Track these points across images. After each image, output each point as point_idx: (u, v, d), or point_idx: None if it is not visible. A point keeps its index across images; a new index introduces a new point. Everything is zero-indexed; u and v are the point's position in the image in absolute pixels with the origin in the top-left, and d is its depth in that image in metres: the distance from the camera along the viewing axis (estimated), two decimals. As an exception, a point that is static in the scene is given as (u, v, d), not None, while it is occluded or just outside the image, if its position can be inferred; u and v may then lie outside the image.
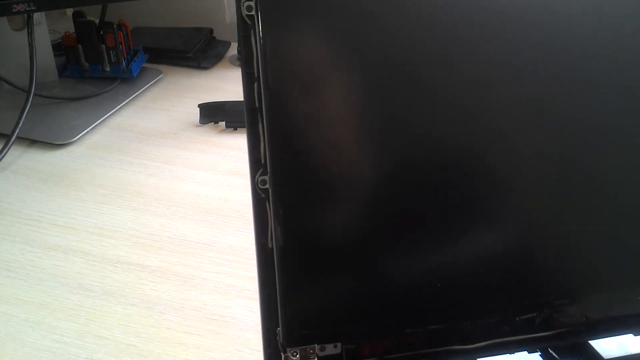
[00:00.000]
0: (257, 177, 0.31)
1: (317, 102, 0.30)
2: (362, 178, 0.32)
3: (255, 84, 0.30)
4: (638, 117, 0.34)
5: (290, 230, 0.31)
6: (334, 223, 0.32)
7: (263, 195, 0.31)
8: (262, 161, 0.31)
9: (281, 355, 0.33)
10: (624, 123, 0.34)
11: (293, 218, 0.31)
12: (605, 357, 0.37)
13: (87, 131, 0.68)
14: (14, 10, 0.62)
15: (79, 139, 0.66)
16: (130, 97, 0.74)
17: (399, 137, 0.31)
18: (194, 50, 0.85)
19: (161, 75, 0.81)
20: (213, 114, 0.70)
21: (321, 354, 0.33)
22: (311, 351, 0.33)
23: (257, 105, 0.30)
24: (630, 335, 0.38)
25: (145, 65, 0.82)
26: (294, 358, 0.33)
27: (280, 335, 0.33)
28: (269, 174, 0.30)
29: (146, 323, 0.44)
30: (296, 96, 0.30)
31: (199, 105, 0.70)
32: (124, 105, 0.73)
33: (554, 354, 0.37)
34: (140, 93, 0.76)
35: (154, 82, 0.79)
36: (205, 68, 0.84)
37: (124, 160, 0.63)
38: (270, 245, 0.32)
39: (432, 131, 0.32)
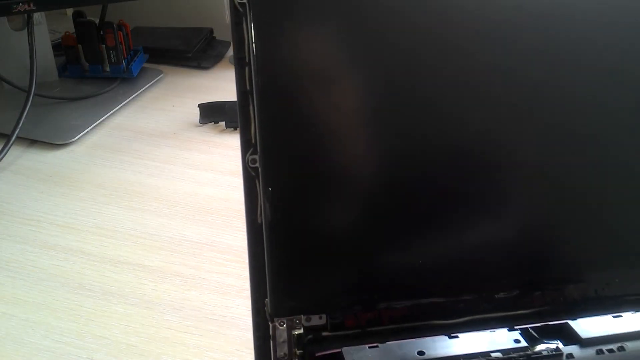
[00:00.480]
0: (247, 156, 0.33)
1: (305, 85, 0.31)
2: (346, 157, 0.33)
3: (247, 68, 0.31)
4: (629, 100, 0.35)
5: (278, 207, 0.32)
6: (320, 200, 0.33)
7: (253, 174, 0.33)
8: (253, 141, 0.32)
9: (269, 325, 0.35)
10: (618, 107, 0.35)
11: (281, 195, 0.32)
12: (583, 337, 0.38)
13: (87, 131, 0.68)
14: (14, 10, 0.62)
15: (79, 139, 0.66)
16: (130, 97, 0.74)
17: (385, 116, 0.33)
18: (194, 50, 0.85)
19: (161, 75, 0.81)
20: (213, 114, 0.70)
21: (307, 324, 0.35)
22: (297, 321, 0.34)
23: (248, 88, 0.31)
24: (609, 317, 0.39)
25: (145, 65, 0.82)
26: (281, 327, 0.34)
27: (268, 306, 0.34)
28: (258, 154, 0.32)
29: (146, 323, 0.44)
30: (285, 80, 0.31)
31: (199, 105, 0.70)
32: (124, 105, 0.73)
33: (533, 333, 0.38)
34: (140, 93, 0.76)
35: (154, 82, 0.79)
36: (205, 68, 0.84)
37: (124, 160, 0.63)
38: (259, 221, 0.33)
39: (418, 117, 0.33)
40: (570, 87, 0.34)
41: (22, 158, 0.64)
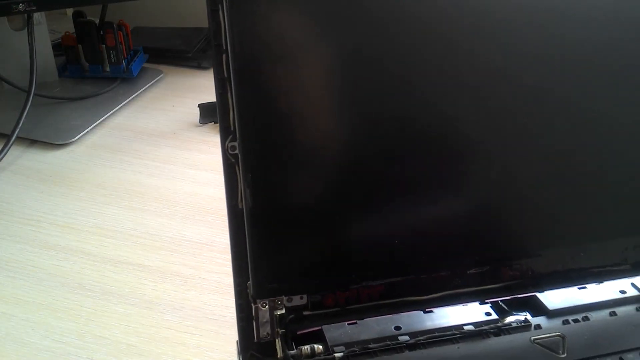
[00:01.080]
0: (227, 143, 0.33)
1: (282, 71, 0.32)
2: (323, 142, 0.34)
3: (224, 56, 0.31)
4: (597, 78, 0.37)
5: (258, 192, 0.33)
6: (299, 184, 0.34)
7: (233, 160, 0.33)
8: (232, 128, 0.33)
9: (252, 306, 0.36)
10: (583, 87, 0.37)
11: (260, 180, 0.33)
12: (550, 308, 0.40)
13: (87, 131, 0.68)
14: (14, 10, 0.62)
15: (79, 139, 0.66)
16: (130, 97, 0.74)
17: (359, 101, 0.34)
18: (194, 50, 0.85)
19: (161, 75, 0.81)
20: (213, 114, 0.70)
21: (288, 304, 0.36)
22: (279, 302, 0.36)
23: (225, 75, 0.32)
24: (574, 289, 0.41)
25: (145, 65, 0.82)
26: (263, 308, 0.36)
27: (251, 288, 0.35)
28: (238, 140, 0.33)
29: (146, 323, 0.44)
30: (262, 66, 0.32)
31: (199, 105, 0.70)
32: (124, 105, 0.73)
33: (504, 305, 0.40)
34: (140, 93, 0.76)
35: (154, 82, 0.79)
36: (205, 68, 0.84)
37: (124, 160, 0.63)
38: (240, 206, 0.34)
39: (392, 99, 0.34)
40: (529, 71, 0.35)
41: (22, 158, 0.64)
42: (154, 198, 0.58)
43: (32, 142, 0.66)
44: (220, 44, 0.31)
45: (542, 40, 0.35)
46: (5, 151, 0.62)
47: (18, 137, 0.63)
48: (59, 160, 0.63)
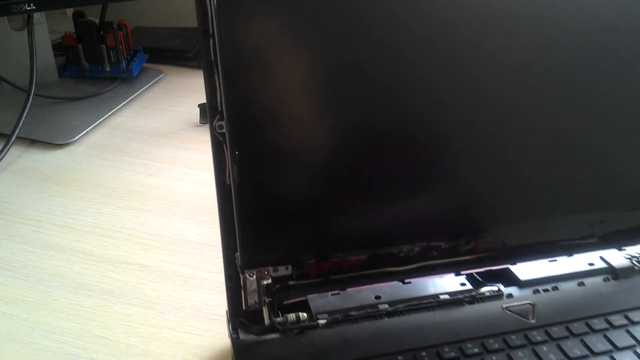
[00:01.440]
0: (215, 122, 0.35)
1: (266, 54, 0.34)
2: (305, 121, 0.36)
3: (211, 40, 0.33)
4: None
5: (244, 169, 0.35)
6: (283, 161, 0.36)
7: (221, 139, 0.35)
8: (219, 108, 0.35)
9: (240, 277, 0.38)
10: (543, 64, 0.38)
11: (247, 157, 0.35)
12: (522, 279, 0.43)
13: (87, 131, 0.68)
14: (14, 11, 0.62)
15: (79, 139, 0.66)
16: (130, 97, 0.74)
17: (338, 85, 0.35)
18: (194, 50, 0.85)
19: (161, 75, 0.81)
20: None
21: (274, 274, 0.38)
22: (265, 272, 0.38)
23: (212, 58, 0.33)
24: (545, 261, 0.44)
25: (145, 65, 0.82)
26: (251, 278, 0.38)
27: (239, 259, 0.37)
28: (225, 120, 0.34)
29: (146, 323, 0.44)
30: (246, 49, 0.33)
31: (199, 105, 0.70)
32: (124, 105, 0.73)
33: (477, 277, 0.43)
34: (140, 93, 0.76)
35: (154, 82, 0.79)
36: (205, 68, 0.84)
37: (124, 160, 0.63)
38: (228, 183, 0.36)
39: (363, 79, 0.36)
40: (499, 53, 0.37)
41: (22, 158, 0.64)
42: (154, 198, 0.58)
43: (32, 142, 0.66)
44: (207, 29, 0.33)
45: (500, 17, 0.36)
46: (5, 151, 0.62)
47: (18, 137, 0.63)
48: (59, 160, 0.63)
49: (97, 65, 0.76)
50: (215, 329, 0.43)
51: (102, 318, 0.44)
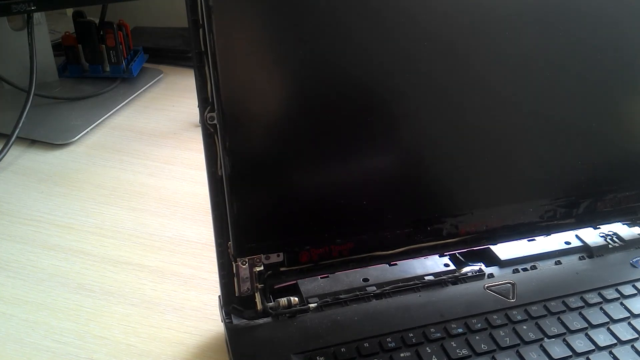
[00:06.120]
0: (206, 113, 0.35)
1: (256, 44, 0.34)
2: (296, 109, 0.36)
3: (201, 30, 0.33)
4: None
5: (236, 159, 0.35)
6: (273, 151, 0.36)
7: (212, 130, 0.35)
8: (210, 99, 0.34)
9: (232, 264, 0.39)
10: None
11: (238, 148, 0.35)
12: (502, 259, 0.45)
13: (87, 131, 0.68)
14: (14, 11, 0.62)
15: (79, 139, 0.66)
16: (130, 97, 0.74)
17: (330, 75, 0.36)
18: (194, 50, 0.85)
19: (161, 75, 0.81)
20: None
21: (266, 261, 0.39)
22: (257, 260, 0.39)
23: (202, 49, 0.33)
24: (524, 241, 0.46)
25: (145, 65, 0.82)
26: (243, 266, 0.39)
27: (231, 248, 0.38)
28: (216, 111, 0.34)
29: (146, 323, 0.44)
30: (236, 39, 0.33)
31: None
32: (124, 105, 0.73)
33: (460, 257, 0.45)
34: (140, 93, 0.76)
35: (154, 82, 0.79)
36: (205, 68, 0.84)
37: (124, 160, 0.63)
38: (219, 173, 0.36)
39: (358, 73, 0.36)
40: (456, 37, 0.37)
41: (22, 158, 0.64)
42: (154, 198, 0.58)
43: (32, 142, 0.66)
44: (197, 19, 0.33)
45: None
46: (5, 151, 0.62)
47: (18, 137, 0.63)
48: (59, 161, 0.63)
49: (97, 65, 0.76)
50: (215, 329, 0.43)
51: (102, 318, 0.44)
